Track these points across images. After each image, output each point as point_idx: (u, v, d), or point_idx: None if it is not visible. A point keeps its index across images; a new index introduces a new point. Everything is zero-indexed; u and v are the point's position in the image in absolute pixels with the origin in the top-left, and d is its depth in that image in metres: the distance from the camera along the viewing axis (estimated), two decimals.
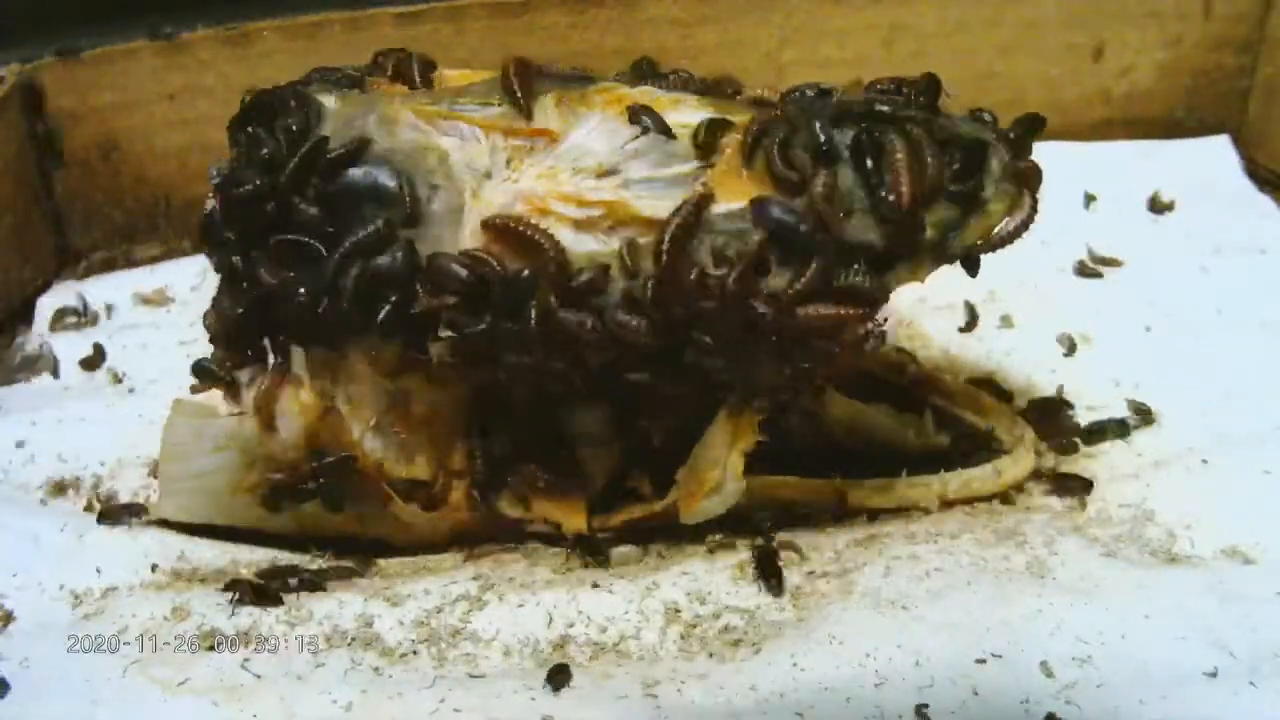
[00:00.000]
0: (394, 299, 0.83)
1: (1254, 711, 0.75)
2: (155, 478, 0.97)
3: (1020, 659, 0.79)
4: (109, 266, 1.27)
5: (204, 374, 0.89)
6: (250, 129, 0.85)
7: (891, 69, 1.29)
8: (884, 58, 1.31)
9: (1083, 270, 1.17)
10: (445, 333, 0.83)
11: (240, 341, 0.88)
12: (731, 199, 0.83)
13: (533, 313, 0.81)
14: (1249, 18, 1.28)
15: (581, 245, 0.82)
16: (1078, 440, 0.99)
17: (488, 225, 0.83)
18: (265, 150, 0.84)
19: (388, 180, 0.84)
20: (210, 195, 0.86)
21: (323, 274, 0.83)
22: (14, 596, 0.88)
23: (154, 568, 0.91)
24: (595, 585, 0.89)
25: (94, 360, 1.12)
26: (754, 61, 1.31)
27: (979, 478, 0.95)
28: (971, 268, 0.86)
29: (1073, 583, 0.85)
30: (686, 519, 0.91)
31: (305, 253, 0.84)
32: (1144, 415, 1.00)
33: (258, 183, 0.83)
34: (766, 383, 0.85)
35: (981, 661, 0.79)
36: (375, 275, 0.83)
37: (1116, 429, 0.99)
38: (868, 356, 0.99)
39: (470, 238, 0.83)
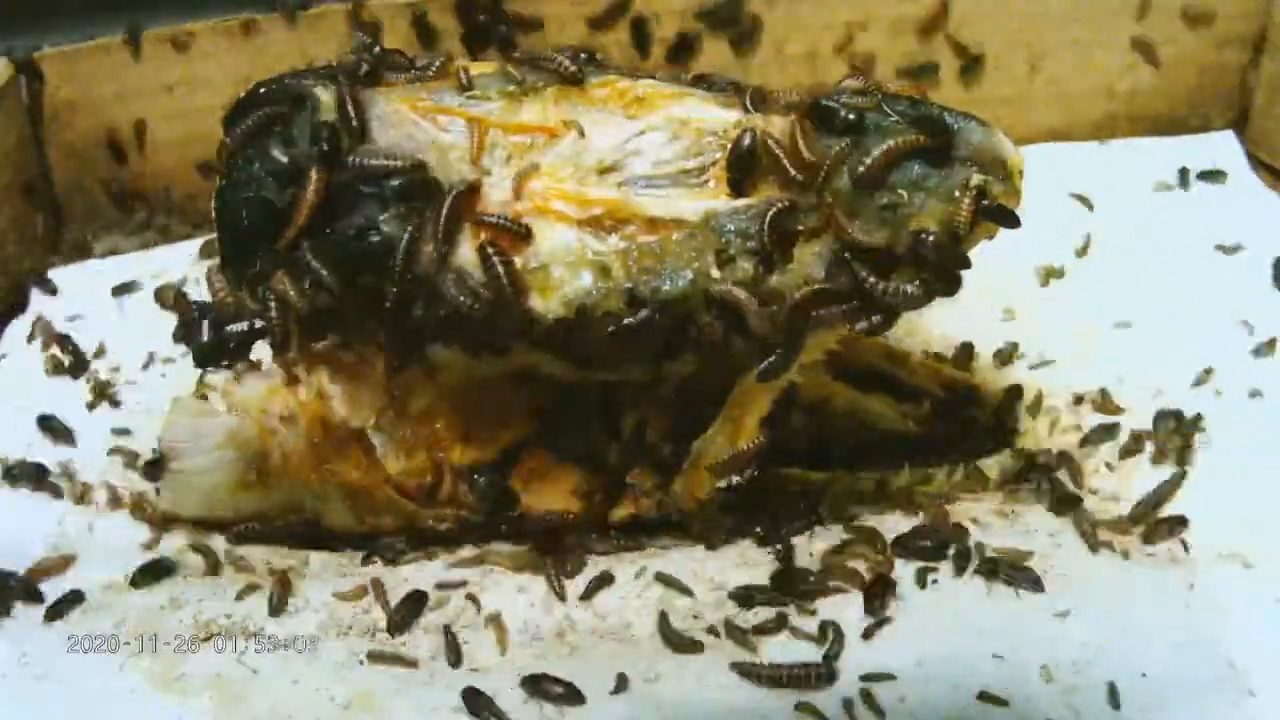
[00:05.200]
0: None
1: (1253, 719, 0.75)
2: (154, 474, 0.97)
3: (1021, 662, 0.79)
4: (107, 257, 1.27)
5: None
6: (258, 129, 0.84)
7: (893, 65, 1.30)
8: (887, 53, 1.30)
9: (1086, 264, 1.17)
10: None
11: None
12: (734, 195, 0.83)
13: None
14: (1254, 13, 1.28)
15: (584, 244, 0.82)
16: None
17: None
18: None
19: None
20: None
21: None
22: (12, 593, 0.88)
23: (152, 563, 0.91)
24: (596, 578, 0.88)
25: (92, 351, 1.11)
26: (757, 55, 1.30)
27: (981, 471, 0.95)
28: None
29: (1073, 584, 0.85)
30: (688, 516, 0.91)
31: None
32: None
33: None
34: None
35: (984, 662, 0.79)
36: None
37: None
38: (869, 351, 0.99)
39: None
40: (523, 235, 0.81)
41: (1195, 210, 1.19)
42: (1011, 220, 0.83)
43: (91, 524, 0.94)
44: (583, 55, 0.90)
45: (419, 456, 0.91)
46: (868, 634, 0.82)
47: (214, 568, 0.91)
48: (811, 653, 0.81)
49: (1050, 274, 1.15)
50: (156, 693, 0.80)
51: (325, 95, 0.85)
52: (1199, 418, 0.98)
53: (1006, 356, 1.07)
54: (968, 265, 0.83)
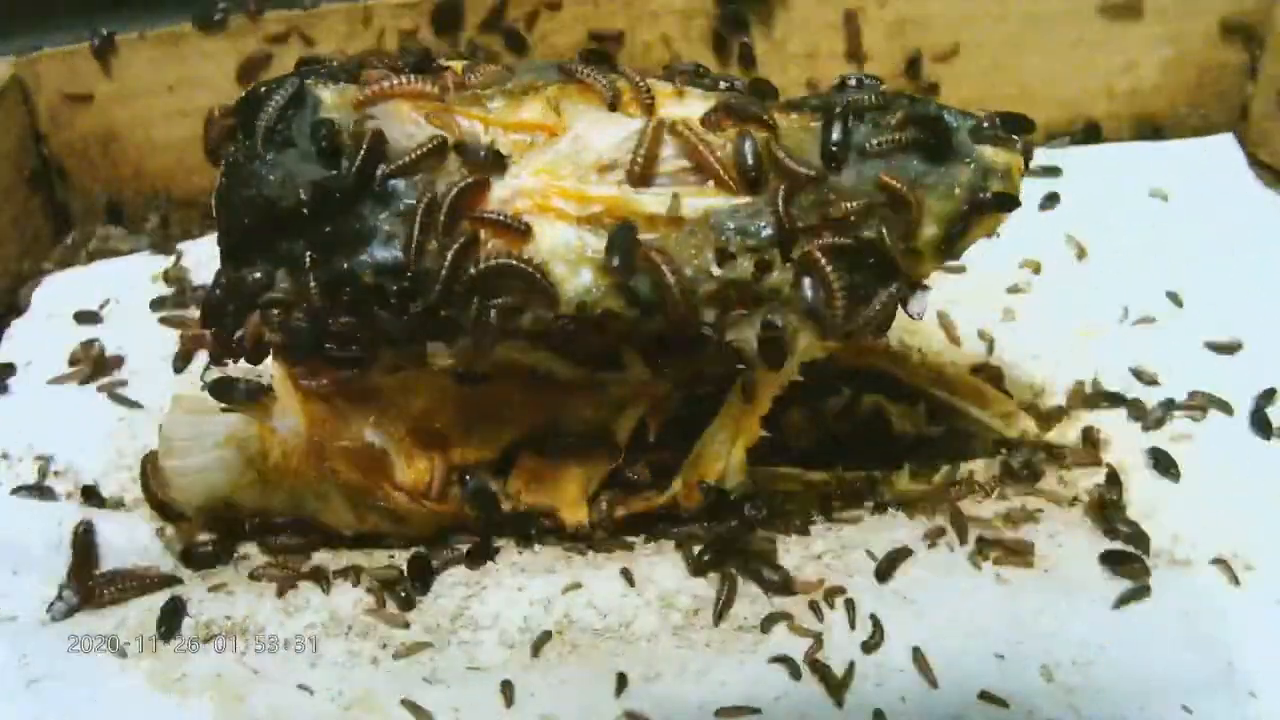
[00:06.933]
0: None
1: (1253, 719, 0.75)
2: (155, 472, 0.97)
3: (1022, 661, 0.79)
4: (107, 257, 1.27)
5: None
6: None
7: (897, 62, 1.30)
8: (889, 50, 1.30)
9: (1086, 267, 1.17)
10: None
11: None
12: (735, 194, 0.83)
13: None
14: (1253, 13, 1.28)
15: (584, 241, 0.82)
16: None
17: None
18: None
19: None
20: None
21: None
22: (12, 593, 0.88)
23: (152, 563, 0.91)
24: (595, 576, 0.89)
25: (92, 352, 1.11)
26: (758, 54, 1.30)
27: (981, 471, 0.95)
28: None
29: (1074, 584, 0.85)
30: (689, 512, 0.91)
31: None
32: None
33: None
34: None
35: (984, 662, 0.79)
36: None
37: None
38: (869, 351, 0.99)
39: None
40: (522, 232, 0.81)
41: (1195, 211, 1.19)
42: (1011, 204, 0.83)
43: (92, 524, 0.94)
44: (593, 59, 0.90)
45: (419, 456, 0.91)
46: (868, 632, 0.82)
47: (214, 569, 0.91)
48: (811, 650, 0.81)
49: (1049, 275, 1.15)
50: (157, 693, 0.80)
51: (327, 95, 0.85)
52: (1200, 418, 0.98)
53: (1006, 357, 1.07)
54: None
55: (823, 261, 0.81)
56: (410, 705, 0.79)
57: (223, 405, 0.87)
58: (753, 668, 0.81)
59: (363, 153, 0.81)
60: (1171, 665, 0.78)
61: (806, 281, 0.81)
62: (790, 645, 0.82)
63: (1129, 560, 0.86)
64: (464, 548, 0.92)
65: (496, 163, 0.82)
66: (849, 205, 0.81)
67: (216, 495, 0.90)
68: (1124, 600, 0.83)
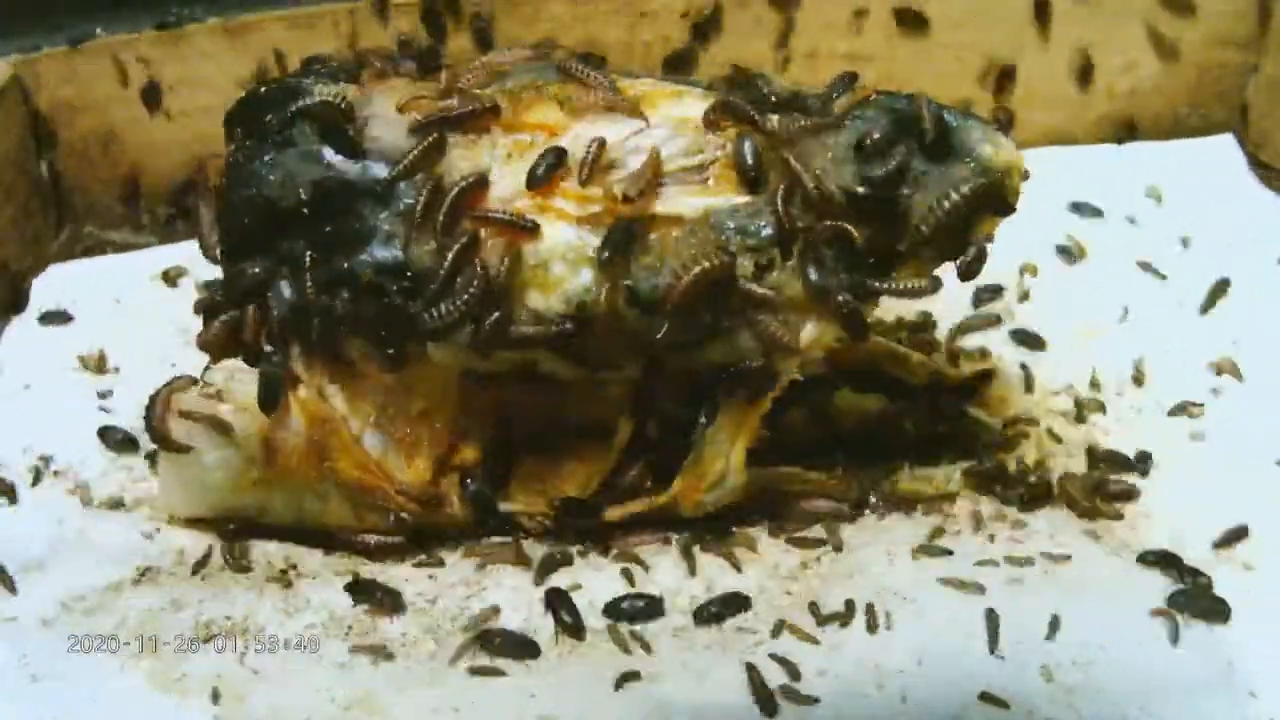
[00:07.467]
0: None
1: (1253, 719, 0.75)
2: (153, 471, 0.97)
3: (1022, 661, 0.79)
4: (107, 256, 1.27)
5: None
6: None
7: (897, 63, 1.30)
8: (889, 50, 1.30)
9: (1086, 267, 1.17)
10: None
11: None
12: (735, 193, 0.83)
13: None
14: (1252, 13, 1.28)
15: (584, 241, 0.82)
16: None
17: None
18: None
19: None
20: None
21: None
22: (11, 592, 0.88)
23: (151, 563, 0.91)
24: (595, 576, 0.89)
25: (91, 351, 1.11)
26: (759, 53, 1.30)
27: (981, 471, 0.95)
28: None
29: (1075, 584, 0.85)
30: (688, 512, 0.91)
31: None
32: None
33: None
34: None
35: (984, 662, 0.79)
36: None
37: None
38: (869, 351, 0.99)
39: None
40: (529, 230, 0.81)
41: (1195, 211, 1.19)
42: (1006, 209, 0.83)
43: (91, 524, 0.94)
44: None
45: (418, 456, 0.91)
46: (868, 632, 0.82)
47: (214, 569, 0.91)
48: (810, 652, 0.81)
49: (1049, 276, 1.15)
50: (157, 693, 0.80)
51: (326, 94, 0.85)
52: (1200, 418, 0.98)
53: (1006, 357, 1.07)
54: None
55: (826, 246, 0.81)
56: (410, 705, 0.79)
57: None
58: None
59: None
60: (1171, 665, 0.78)
61: (813, 261, 0.81)
62: (790, 646, 0.82)
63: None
64: (464, 548, 0.92)
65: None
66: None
67: (216, 496, 0.90)
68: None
